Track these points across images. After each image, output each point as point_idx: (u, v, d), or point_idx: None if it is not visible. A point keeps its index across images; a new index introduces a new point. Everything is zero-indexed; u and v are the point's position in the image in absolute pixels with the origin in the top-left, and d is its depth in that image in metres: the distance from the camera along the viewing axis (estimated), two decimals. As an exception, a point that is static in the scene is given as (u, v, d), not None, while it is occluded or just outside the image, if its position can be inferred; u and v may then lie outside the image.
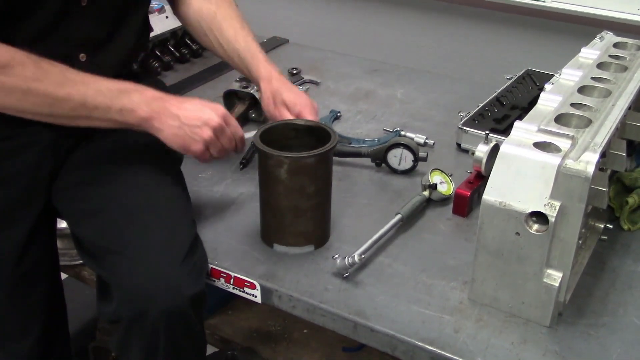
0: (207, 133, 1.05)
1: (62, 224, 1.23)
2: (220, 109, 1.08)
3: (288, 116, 1.21)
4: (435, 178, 1.24)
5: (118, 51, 1.17)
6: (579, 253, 1.05)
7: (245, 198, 1.26)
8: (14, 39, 1.00)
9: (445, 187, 1.25)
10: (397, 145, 1.31)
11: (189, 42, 1.84)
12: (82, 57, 1.11)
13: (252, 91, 1.48)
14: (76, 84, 1.00)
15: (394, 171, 1.33)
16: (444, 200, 1.24)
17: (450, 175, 1.26)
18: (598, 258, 1.10)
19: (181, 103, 1.06)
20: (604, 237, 1.12)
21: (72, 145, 1.16)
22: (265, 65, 1.26)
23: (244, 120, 1.51)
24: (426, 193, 1.23)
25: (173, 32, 1.78)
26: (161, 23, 1.71)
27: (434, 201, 1.24)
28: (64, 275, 1.29)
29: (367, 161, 1.36)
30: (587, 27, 1.94)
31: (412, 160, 1.31)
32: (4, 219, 1.10)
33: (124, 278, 1.01)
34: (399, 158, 1.32)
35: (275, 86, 1.23)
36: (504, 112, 1.48)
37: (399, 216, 1.16)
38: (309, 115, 1.20)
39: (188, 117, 1.04)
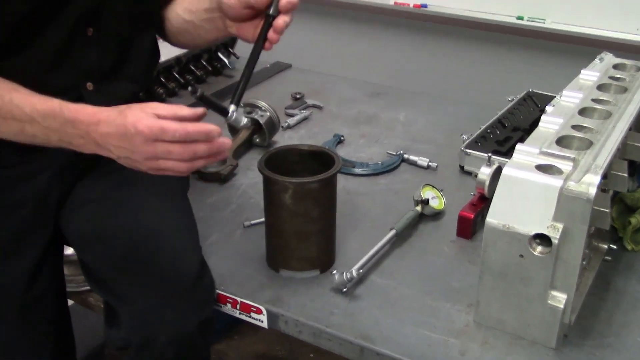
0: (142, 165, 0.96)
1: (69, 251, 1.24)
2: (140, 132, 0.91)
3: None
4: (427, 193, 1.27)
5: (126, 79, 1.18)
6: (583, 274, 1.06)
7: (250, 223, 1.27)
8: (20, 69, 1.01)
9: (437, 202, 1.27)
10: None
11: (193, 68, 1.87)
12: (89, 86, 1.12)
13: (256, 117, 1.50)
14: (11, 108, 0.96)
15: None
16: (436, 214, 1.27)
17: (441, 191, 1.29)
18: (602, 278, 1.10)
19: (106, 131, 0.94)
20: (607, 257, 1.13)
21: (81, 171, 1.17)
22: None
23: (248, 145, 1.53)
24: (418, 208, 1.25)
25: (177, 59, 1.81)
26: (166, 50, 1.73)
27: (429, 217, 1.27)
28: (70, 302, 1.29)
29: (371, 184, 1.38)
30: (587, 47, 1.96)
31: None
32: (13, 246, 1.10)
33: (132, 304, 1.02)
34: None
35: None
36: (506, 133, 1.49)
37: (393, 231, 1.19)
38: None
39: (116, 148, 0.95)
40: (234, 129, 1.54)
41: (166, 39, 1.30)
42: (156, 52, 1.28)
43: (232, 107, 1.00)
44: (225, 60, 1.95)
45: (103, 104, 1.03)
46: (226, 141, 0.94)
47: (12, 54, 1.04)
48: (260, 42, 1.07)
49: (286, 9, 1.05)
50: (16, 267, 1.11)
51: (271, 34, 1.06)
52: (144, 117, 0.91)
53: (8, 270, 1.10)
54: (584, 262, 0.98)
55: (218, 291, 1.10)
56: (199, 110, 0.94)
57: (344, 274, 1.07)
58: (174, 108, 0.94)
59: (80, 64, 1.10)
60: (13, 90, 0.97)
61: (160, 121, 0.91)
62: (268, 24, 1.06)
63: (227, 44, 1.98)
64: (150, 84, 1.72)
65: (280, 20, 1.05)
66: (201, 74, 1.88)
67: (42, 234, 1.13)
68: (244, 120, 1.01)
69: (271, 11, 1.05)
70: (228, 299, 1.10)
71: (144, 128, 0.90)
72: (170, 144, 0.91)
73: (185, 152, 0.92)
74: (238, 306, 1.09)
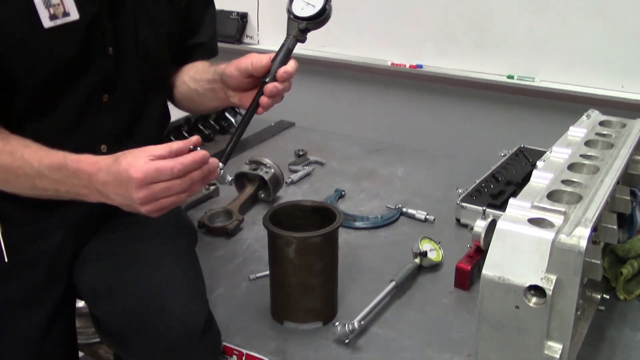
0: (141, 209, 0.97)
1: (80, 303, 1.27)
2: (134, 179, 0.93)
3: (250, 58, 1.13)
4: (425, 246, 1.31)
5: (139, 142, 1.22)
6: (578, 324, 1.08)
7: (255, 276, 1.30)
8: (38, 132, 1.06)
9: (435, 254, 1.31)
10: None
11: (201, 127, 1.94)
12: (104, 148, 1.16)
13: (261, 173, 1.55)
14: (22, 165, 1.01)
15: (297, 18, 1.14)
16: (434, 266, 1.31)
17: (439, 243, 1.32)
18: (597, 328, 1.13)
19: (105, 180, 0.97)
20: (601, 307, 1.15)
21: (94, 228, 1.21)
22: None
23: (253, 200, 1.58)
24: (417, 260, 1.29)
25: (187, 119, 1.88)
26: (176, 110, 1.80)
27: (427, 269, 1.30)
28: (80, 354, 1.31)
29: (372, 237, 1.42)
30: (575, 104, 2.03)
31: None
32: (28, 300, 1.13)
33: (141, 357, 1.04)
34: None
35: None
36: (500, 187, 1.55)
37: (393, 283, 1.22)
38: (254, 57, 1.12)
39: (116, 196, 0.98)
40: (240, 186, 1.59)
41: (173, 103, 1.36)
42: (167, 114, 1.34)
43: (220, 165, 1.01)
44: (232, 119, 2.03)
45: None
46: (214, 160, 0.98)
47: (31, 118, 1.09)
48: (253, 106, 1.11)
49: (282, 78, 1.10)
50: (30, 320, 1.13)
51: (263, 99, 1.10)
52: (137, 162, 0.93)
53: (22, 323, 1.12)
54: (578, 313, 1.00)
55: (224, 343, 1.13)
56: (192, 139, 0.98)
57: (346, 325, 1.10)
58: (169, 144, 0.96)
59: (95, 127, 1.15)
60: (24, 147, 1.02)
61: (154, 163, 0.93)
62: (262, 91, 1.10)
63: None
64: (160, 142, 1.78)
65: (270, 85, 1.09)
66: (209, 133, 1.95)
67: (56, 288, 1.16)
68: (228, 178, 1.05)
69: (267, 79, 1.10)
70: (234, 351, 1.13)
71: (137, 174, 0.92)
72: (168, 181, 0.93)
73: (184, 183, 0.95)
74: (244, 358, 1.12)
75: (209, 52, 1.35)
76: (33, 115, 1.10)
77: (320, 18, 1.12)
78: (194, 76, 1.27)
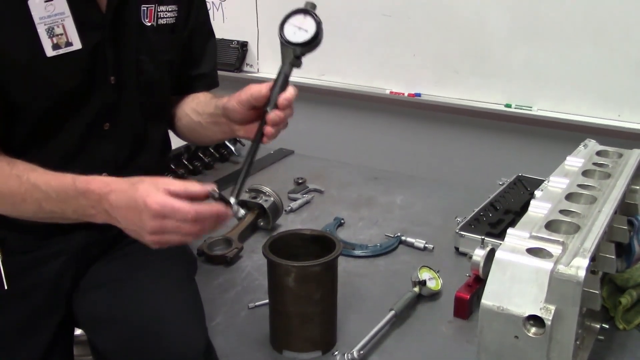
0: (147, 239, 0.98)
1: (78, 331, 1.26)
2: (150, 208, 0.94)
3: (250, 90, 1.13)
4: (424, 274, 1.31)
5: (139, 170, 1.23)
6: (578, 354, 1.08)
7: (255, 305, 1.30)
8: (40, 160, 1.07)
9: (434, 283, 1.31)
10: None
11: (201, 155, 1.95)
12: (105, 175, 1.18)
13: (260, 201, 1.56)
14: (29, 188, 1.02)
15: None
16: (433, 295, 1.31)
17: (438, 272, 1.33)
18: (596, 358, 1.13)
19: (117, 203, 0.98)
20: (600, 337, 1.16)
21: (94, 256, 1.21)
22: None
23: (253, 228, 1.58)
24: (416, 289, 1.29)
25: (187, 147, 1.90)
26: (176, 138, 1.82)
27: (426, 298, 1.30)
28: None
29: (371, 266, 1.42)
30: (572, 132, 2.05)
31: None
32: (26, 328, 1.13)
33: (140, 386, 1.04)
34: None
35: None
36: (498, 216, 1.55)
37: (392, 312, 1.22)
38: (253, 88, 1.12)
39: (125, 221, 0.99)
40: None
41: (176, 134, 1.38)
42: (168, 143, 1.35)
43: (232, 200, 1.01)
44: (232, 147, 2.04)
45: None
46: (228, 213, 0.98)
47: (33, 146, 1.10)
48: (258, 138, 1.10)
49: (283, 105, 1.10)
50: (29, 348, 1.13)
51: (267, 128, 1.10)
52: (155, 192, 0.94)
53: (21, 351, 1.12)
54: (578, 342, 1.01)
55: (223, 373, 1.13)
56: (209, 186, 0.98)
57: (346, 354, 1.10)
58: (186, 184, 0.97)
59: (97, 155, 1.16)
60: (31, 170, 1.03)
61: (173, 200, 0.94)
62: (265, 120, 1.10)
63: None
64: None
65: (272, 114, 1.09)
66: (209, 161, 1.97)
67: (55, 316, 1.16)
68: (242, 212, 1.05)
69: (268, 108, 1.10)
70: (233, 381, 1.12)
71: (154, 204, 0.93)
72: (180, 222, 0.94)
73: (194, 228, 0.95)
74: (243, 388, 1.12)
75: (210, 83, 1.37)
76: (34, 143, 1.11)
77: (315, 42, 1.13)
78: (196, 108, 1.29)
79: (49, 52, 1.06)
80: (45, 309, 1.15)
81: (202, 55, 1.34)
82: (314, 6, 1.14)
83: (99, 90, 1.13)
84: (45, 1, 1.04)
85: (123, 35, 1.15)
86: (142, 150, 1.23)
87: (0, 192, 1.03)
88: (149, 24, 1.18)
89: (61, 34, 1.06)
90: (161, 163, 1.33)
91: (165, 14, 1.21)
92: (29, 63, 1.05)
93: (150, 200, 0.94)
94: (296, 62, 1.13)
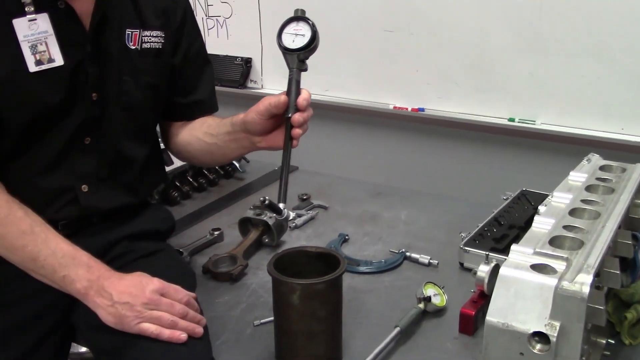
0: (137, 310, 1.04)
1: (82, 349, 1.27)
2: (155, 283, 1.09)
3: (267, 100, 1.18)
4: (429, 290, 1.30)
5: (120, 187, 1.26)
6: (584, 370, 1.08)
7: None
8: (19, 171, 1.11)
9: (439, 299, 1.31)
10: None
11: (205, 172, 1.96)
12: (84, 187, 1.20)
13: (265, 218, 1.57)
14: (37, 239, 1.08)
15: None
16: (438, 311, 1.30)
17: (443, 287, 1.32)
18: (603, 374, 1.13)
19: (119, 280, 1.08)
20: (606, 352, 1.15)
21: None
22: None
23: (257, 245, 1.59)
24: (421, 305, 1.29)
25: (191, 164, 1.90)
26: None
27: (431, 314, 1.30)
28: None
29: (376, 282, 1.42)
30: (575, 146, 2.05)
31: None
32: (12, 337, 1.15)
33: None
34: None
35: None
36: (503, 231, 1.55)
37: (397, 329, 1.22)
38: (270, 98, 1.17)
39: (120, 294, 1.05)
40: (244, 230, 1.61)
41: (188, 160, 1.41)
42: (157, 168, 1.37)
43: (281, 205, 1.12)
44: (236, 164, 2.04)
45: (99, 205, 1.10)
46: (200, 329, 1.12)
47: (14, 157, 1.14)
48: (288, 143, 1.16)
49: (303, 106, 1.16)
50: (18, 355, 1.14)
51: (294, 131, 1.16)
52: (154, 279, 1.10)
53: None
54: (584, 358, 1.00)
55: (228, 391, 1.13)
56: (193, 294, 1.15)
57: (351, 372, 1.10)
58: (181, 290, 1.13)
59: (77, 168, 1.19)
60: (43, 224, 1.10)
61: (173, 285, 1.10)
62: (290, 125, 1.16)
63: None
64: (166, 188, 1.81)
65: (297, 115, 1.15)
66: (213, 178, 1.97)
67: (43, 327, 1.18)
68: (292, 214, 1.14)
69: (289, 113, 1.16)
70: (238, 399, 1.12)
71: (157, 282, 1.08)
72: (175, 302, 1.08)
73: (182, 311, 1.08)
74: (248, 406, 1.12)
75: (208, 108, 1.40)
76: (16, 153, 1.14)
77: (314, 43, 1.17)
78: (208, 131, 1.32)
79: (32, 68, 1.10)
80: (36, 318, 1.17)
81: (197, 82, 1.37)
82: (303, 12, 1.21)
83: (80, 105, 1.17)
84: (30, 20, 1.08)
85: (106, 54, 1.18)
86: (124, 167, 1.26)
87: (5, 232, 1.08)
88: (134, 47, 1.22)
89: (44, 51, 1.11)
90: (146, 187, 1.35)
91: (150, 39, 1.25)
92: (11, 78, 1.09)
93: (154, 280, 1.09)
94: (302, 66, 1.19)
